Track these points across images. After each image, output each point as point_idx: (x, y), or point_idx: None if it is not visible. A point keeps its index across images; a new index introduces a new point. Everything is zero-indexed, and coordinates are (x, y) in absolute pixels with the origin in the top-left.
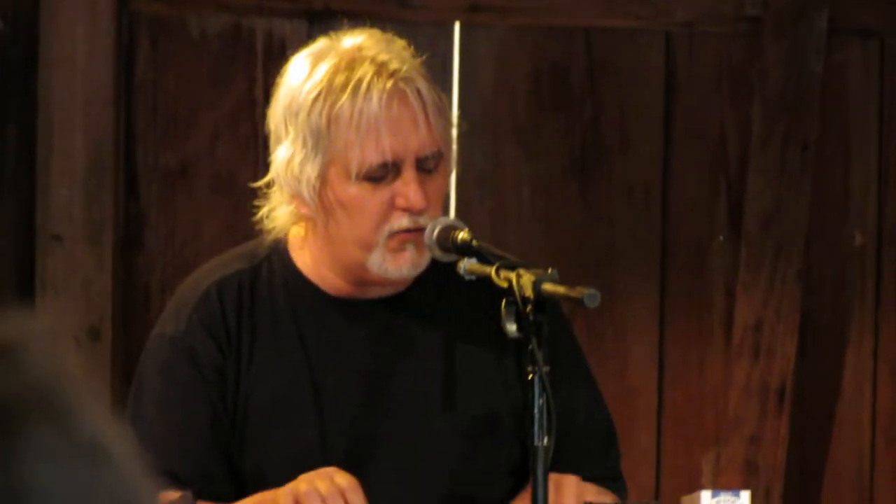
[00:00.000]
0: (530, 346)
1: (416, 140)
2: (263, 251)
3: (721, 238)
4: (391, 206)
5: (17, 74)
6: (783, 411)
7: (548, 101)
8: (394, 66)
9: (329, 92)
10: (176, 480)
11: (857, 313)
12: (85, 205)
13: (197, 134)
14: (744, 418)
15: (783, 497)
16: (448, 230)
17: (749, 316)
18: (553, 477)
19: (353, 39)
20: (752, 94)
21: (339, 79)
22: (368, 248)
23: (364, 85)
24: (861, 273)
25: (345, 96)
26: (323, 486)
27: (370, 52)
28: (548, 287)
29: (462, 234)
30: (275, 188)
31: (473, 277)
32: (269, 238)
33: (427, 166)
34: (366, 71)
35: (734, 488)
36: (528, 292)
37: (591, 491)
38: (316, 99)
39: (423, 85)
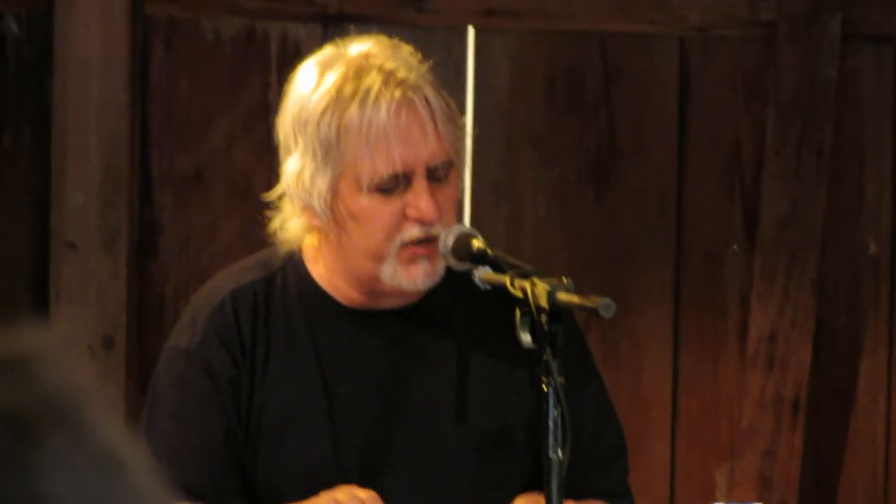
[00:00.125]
0: (545, 357)
1: (425, 150)
2: (278, 261)
3: (735, 247)
4: (402, 217)
5: (31, 78)
6: (797, 424)
7: (562, 106)
8: (401, 74)
9: (338, 103)
10: (190, 493)
11: (872, 322)
12: (99, 211)
13: (211, 138)
14: (758, 431)
15: None
16: (462, 238)
17: (764, 326)
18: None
19: (359, 46)
20: (766, 99)
21: (348, 89)
22: (380, 259)
23: (372, 95)
24: (875, 282)
25: (353, 106)
26: (343, 497)
27: (377, 61)
28: (562, 296)
29: (477, 243)
30: (285, 200)
31: (489, 287)
32: (284, 249)
33: (437, 175)
34: (374, 80)
35: (748, 502)
36: (543, 302)
37: None
38: (325, 110)
39: (431, 93)
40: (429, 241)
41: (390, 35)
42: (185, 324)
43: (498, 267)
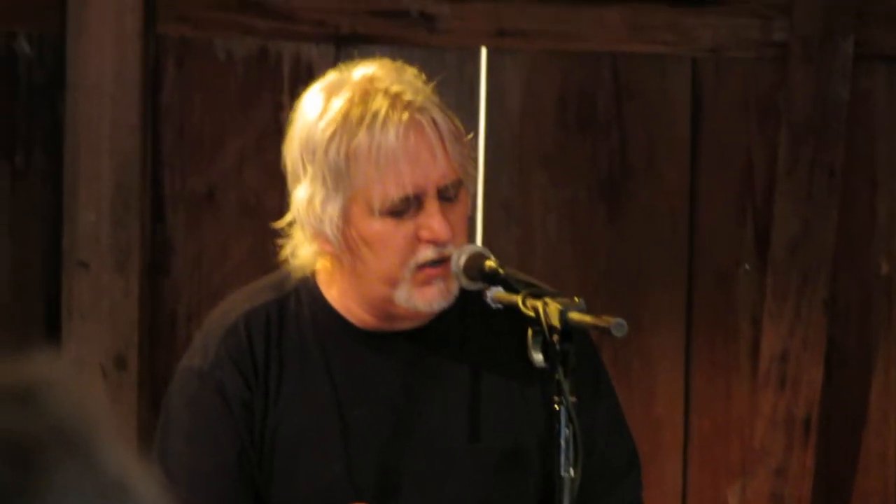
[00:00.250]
0: (556, 377)
1: (435, 171)
2: (291, 283)
3: (747, 267)
4: (416, 239)
5: (43, 99)
6: (809, 443)
7: (574, 127)
8: (408, 97)
9: (345, 128)
10: None
11: (883, 342)
12: (112, 231)
13: (224, 158)
14: (770, 450)
15: None
16: (475, 258)
17: (776, 346)
18: None
19: (364, 70)
20: (778, 120)
21: (355, 113)
22: (394, 283)
23: (380, 119)
24: (887, 301)
25: (361, 131)
26: None
27: (383, 84)
28: (574, 316)
29: (489, 263)
30: (296, 227)
31: (500, 306)
32: (296, 275)
33: (448, 195)
34: (380, 104)
35: None
36: (555, 321)
37: None
38: (332, 136)
39: (437, 114)
40: (443, 262)
41: (402, 56)
42: (197, 345)
43: (510, 286)
